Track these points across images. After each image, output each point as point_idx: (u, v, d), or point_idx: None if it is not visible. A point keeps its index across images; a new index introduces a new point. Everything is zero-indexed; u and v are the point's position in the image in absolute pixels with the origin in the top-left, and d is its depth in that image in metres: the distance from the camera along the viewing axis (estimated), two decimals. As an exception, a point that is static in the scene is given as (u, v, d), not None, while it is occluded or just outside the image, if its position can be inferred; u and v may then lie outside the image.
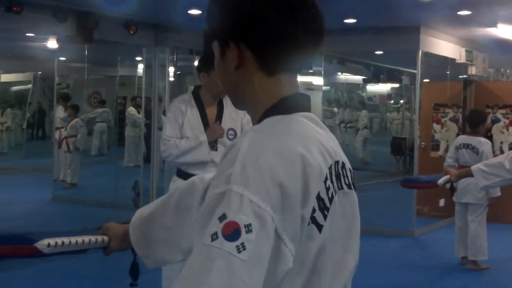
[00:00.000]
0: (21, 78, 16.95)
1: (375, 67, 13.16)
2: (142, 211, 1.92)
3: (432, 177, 4.79)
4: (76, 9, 7.96)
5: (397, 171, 13.54)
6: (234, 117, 4.58)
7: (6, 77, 16.97)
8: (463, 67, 11.06)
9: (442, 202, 9.42)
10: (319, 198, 1.26)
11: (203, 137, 4.48)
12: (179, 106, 4.56)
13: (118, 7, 7.77)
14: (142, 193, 9.58)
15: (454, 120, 10.44)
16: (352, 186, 1.43)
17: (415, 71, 9.81)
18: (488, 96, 10.65)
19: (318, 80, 11.60)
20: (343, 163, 1.40)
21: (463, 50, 10.54)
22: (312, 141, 1.31)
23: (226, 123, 4.56)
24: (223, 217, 1.16)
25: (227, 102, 4.54)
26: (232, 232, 1.15)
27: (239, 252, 1.14)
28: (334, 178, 1.34)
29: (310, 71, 11.84)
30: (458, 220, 7.61)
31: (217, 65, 1.46)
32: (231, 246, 1.14)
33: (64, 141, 12.16)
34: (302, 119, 1.36)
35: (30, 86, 16.69)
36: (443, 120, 10.55)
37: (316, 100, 11.51)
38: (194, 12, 8.39)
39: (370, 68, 13.35)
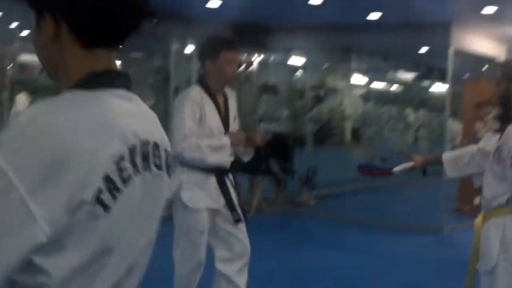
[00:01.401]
0: None
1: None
2: None
3: (388, 165, 4.66)
4: None
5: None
6: (234, 103, 4.55)
7: None
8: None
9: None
10: (107, 179, 1.23)
11: (226, 140, 4.30)
12: (195, 98, 4.27)
13: None
14: None
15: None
16: (163, 167, 1.42)
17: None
18: None
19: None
20: (155, 143, 1.39)
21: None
22: (100, 120, 1.26)
23: (232, 110, 4.48)
24: None
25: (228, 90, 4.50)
26: None
27: None
28: (138, 158, 1.32)
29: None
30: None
31: (33, 37, 1.41)
32: None
33: None
34: (107, 96, 1.32)
35: None
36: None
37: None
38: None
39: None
